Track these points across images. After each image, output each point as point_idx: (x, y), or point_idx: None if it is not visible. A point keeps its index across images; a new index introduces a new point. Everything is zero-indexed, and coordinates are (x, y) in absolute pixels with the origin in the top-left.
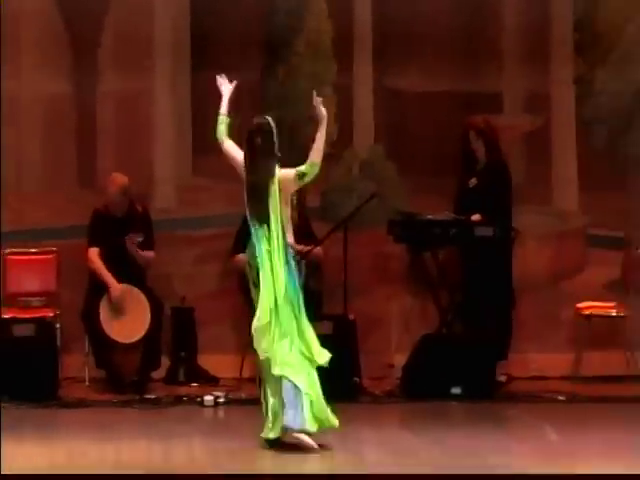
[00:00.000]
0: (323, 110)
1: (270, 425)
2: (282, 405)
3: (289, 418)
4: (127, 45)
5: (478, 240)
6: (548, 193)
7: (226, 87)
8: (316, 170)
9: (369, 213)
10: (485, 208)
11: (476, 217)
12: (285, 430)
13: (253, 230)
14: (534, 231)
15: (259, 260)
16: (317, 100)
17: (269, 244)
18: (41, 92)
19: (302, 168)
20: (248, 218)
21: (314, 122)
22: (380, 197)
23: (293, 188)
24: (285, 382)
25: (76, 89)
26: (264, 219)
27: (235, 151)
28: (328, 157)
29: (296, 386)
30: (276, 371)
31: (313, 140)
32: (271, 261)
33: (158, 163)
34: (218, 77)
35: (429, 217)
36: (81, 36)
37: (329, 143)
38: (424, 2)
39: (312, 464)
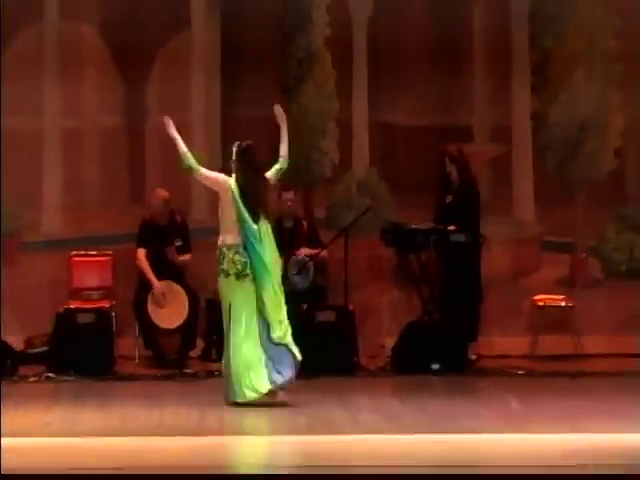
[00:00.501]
0: (281, 111)
1: (236, 389)
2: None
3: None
4: (170, 86)
5: (453, 245)
6: (509, 207)
7: (173, 129)
8: (287, 161)
9: (365, 223)
10: (459, 219)
11: (451, 227)
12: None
13: (248, 226)
14: (498, 238)
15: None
16: (277, 107)
17: (260, 237)
18: (99, 125)
19: (279, 166)
20: (245, 218)
21: (319, 150)
22: (374, 210)
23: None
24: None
25: (128, 122)
26: (258, 217)
27: (212, 174)
28: (331, 178)
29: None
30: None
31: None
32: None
33: (194, 183)
34: (166, 120)
35: (414, 226)
36: (132, 77)
37: (332, 167)
38: (410, 55)
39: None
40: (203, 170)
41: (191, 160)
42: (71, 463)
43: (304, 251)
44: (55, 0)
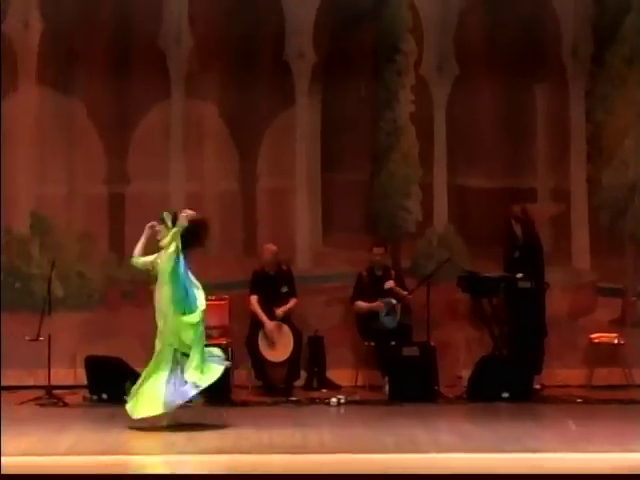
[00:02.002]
0: (184, 221)
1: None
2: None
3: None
4: (277, 155)
5: (520, 291)
6: (568, 257)
7: (149, 231)
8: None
9: (444, 272)
10: (525, 270)
11: (519, 275)
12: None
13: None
14: (559, 284)
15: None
16: (186, 212)
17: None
18: (217, 189)
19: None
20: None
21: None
22: (452, 261)
23: None
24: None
25: (242, 186)
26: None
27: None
28: (415, 233)
29: None
30: None
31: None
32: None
33: (299, 237)
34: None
35: (486, 274)
36: (246, 148)
37: (416, 224)
38: (481, 129)
39: (402, 446)
40: (144, 259)
41: (139, 261)
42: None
43: (391, 283)
44: (181, 81)
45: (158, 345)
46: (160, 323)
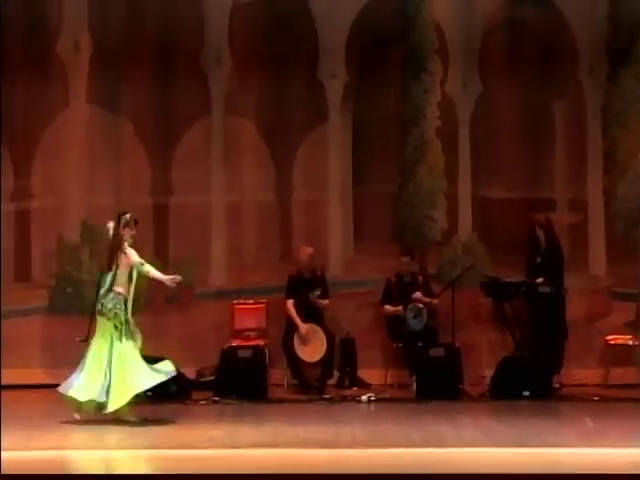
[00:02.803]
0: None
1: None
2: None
3: None
4: (311, 168)
5: (540, 295)
6: (585, 264)
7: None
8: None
9: (468, 278)
10: (546, 275)
11: (539, 280)
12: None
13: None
14: (576, 289)
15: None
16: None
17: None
18: (255, 200)
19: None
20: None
21: (431, 219)
22: (475, 267)
23: None
24: None
25: (278, 197)
26: None
27: None
28: (441, 242)
29: None
30: None
31: None
32: None
33: (331, 246)
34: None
35: (508, 280)
36: (282, 161)
37: (442, 232)
38: (503, 143)
39: (429, 441)
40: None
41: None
42: (231, 469)
43: (419, 295)
44: (221, 99)
45: None
46: None
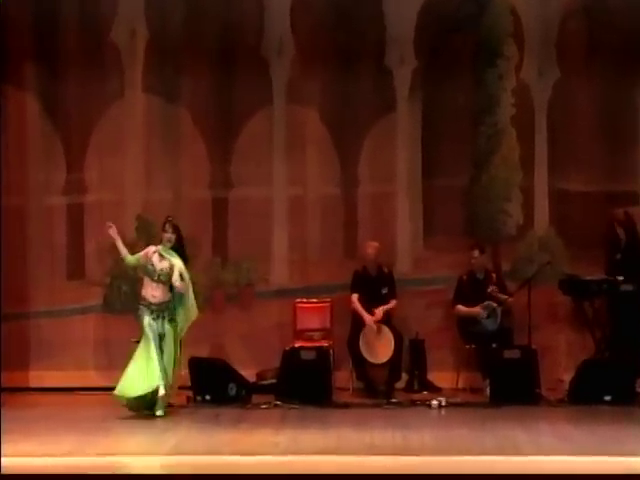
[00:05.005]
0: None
1: None
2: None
3: None
4: (377, 160)
5: (622, 293)
6: None
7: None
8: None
9: (545, 275)
10: (627, 272)
11: (620, 277)
12: None
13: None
14: None
15: None
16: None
17: None
18: (319, 193)
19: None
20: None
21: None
22: (552, 264)
23: None
24: None
25: (343, 191)
26: None
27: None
28: (516, 236)
29: None
30: None
31: None
32: None
33: (399, 241)
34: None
35: (588, 277)
36: (346, 153)
37: (517, 227)
38: (581, 133)
39: (503, 449)
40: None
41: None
42: (294, 477)
43: (494, 288)
44: (283, 88)
45: None
46: None
